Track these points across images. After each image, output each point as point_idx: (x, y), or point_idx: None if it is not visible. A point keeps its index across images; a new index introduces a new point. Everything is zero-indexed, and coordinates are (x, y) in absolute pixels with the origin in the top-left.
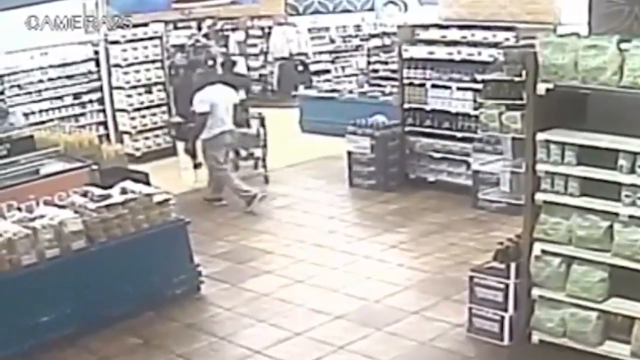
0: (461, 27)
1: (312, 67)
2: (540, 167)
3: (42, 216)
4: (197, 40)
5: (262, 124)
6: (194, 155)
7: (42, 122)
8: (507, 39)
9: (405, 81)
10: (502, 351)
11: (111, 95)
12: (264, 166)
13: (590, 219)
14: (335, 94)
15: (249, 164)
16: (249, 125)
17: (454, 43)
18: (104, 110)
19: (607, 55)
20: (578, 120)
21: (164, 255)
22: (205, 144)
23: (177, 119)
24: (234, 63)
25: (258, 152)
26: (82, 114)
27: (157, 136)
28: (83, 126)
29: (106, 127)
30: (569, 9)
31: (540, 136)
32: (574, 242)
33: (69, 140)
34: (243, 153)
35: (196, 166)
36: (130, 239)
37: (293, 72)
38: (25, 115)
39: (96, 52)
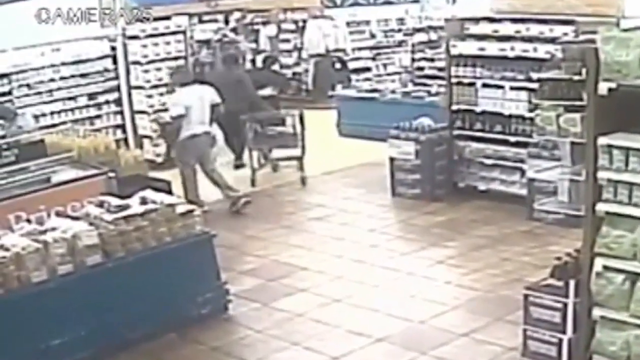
0: (515, 21)
1: (351, 65)
2: (601, 174)
3: (53, 229)
4: (225, 35)
5: (300, 122)
6: (237, 155)
7: (54, 125)
8: (565, 34)
9: (454, 80)
10: None
11: (130, 95)
12: (301, 167)
13: None
14: (376, 94)
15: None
16: (284, 124)
17: (507, 38)
18: (121, 112)
19: None
20: None
21: (188, 272)
22: (177, 146)
23: (167, 119)
24: (274, 60)
25: (295, 152)
26: (98, 116)
27: (157, 145)
28: (99, 129)
29: (124, 131)
30: (633, 1)
31: (602, 140)
32: (639, 257)
33: (83, 145)
34: (279, 154)
35: (237, 167)
36: (150, 253)
37: (330, 70)
38: (35, 117)
39: (113, 48)
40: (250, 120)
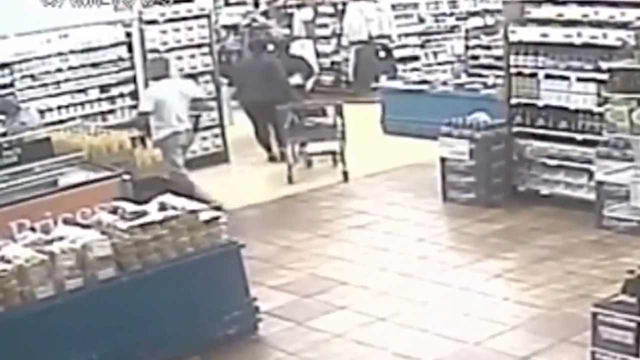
0: (582, 3)
1: (397, 53)
2: None
3: (61, 238)
4: (254, 20)
5: (340, 113)
6: (268, 148)
7: (61, 121)
8: (638, 18)
9: (513, 70)
10: None
11: (147, 87)
12: (343, 161)
13: None
14: (425, 87)
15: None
16: (324, 114)
17: (573, 23)
18: (137, 107)
19: None
20: None
21: (213, 287)
22: (159, 146)
23: (147, 109)
24: (288, 45)
25: (335, 146)
26: (111, 111)
27: (204, 138)
28: (112, 126)
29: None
30: None
31: None
32: None
33: (94, 143)
34: (314, 147)
35: (272, 159)
36: (170, 266)
37: (373, 59)
38: (41, 112)
39: (128, 34)
40: (288, 110)
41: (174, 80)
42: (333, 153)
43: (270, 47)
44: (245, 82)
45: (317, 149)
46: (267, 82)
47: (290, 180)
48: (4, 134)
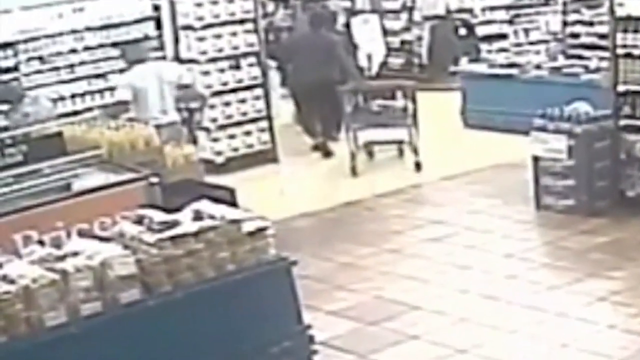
0: None
1: (480, 31)
2: None
3: (75, 254)
4: None
5: (412, 97)
6: (313, 134)
7: (76, 113)
8: None
9: (620, 51)
10: None
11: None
12: (415, 150)
13: None
14: (514, 71)
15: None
16: (394, 97)
17: None
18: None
19: None
20: None
21: (259, 312)
22: None
23: (125, 97)
24: (332, 18)
25: (403, 134)
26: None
27: (248, 133)
28: (136, 119)
29: None
30: None
31: None
32: None
33: (115, 139)
34: (381, 134)
35: (316, 148)
36: (207, 287)
37: (451, 37)
38: (52, 101)
39: (156, 8)
40: (351, 91)
41: (153, 64)
42: (400, 142)
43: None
44: (298, 61)
45: (378, 138)
46: (326, 61)
47: (353, 171)
48: (6, 128)
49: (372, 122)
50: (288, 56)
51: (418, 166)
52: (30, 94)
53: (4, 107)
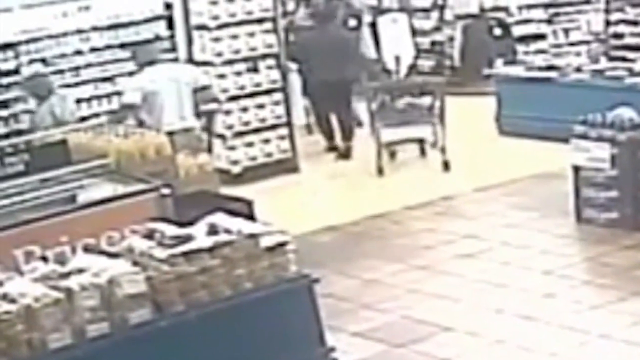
0: None
1: (517, 30)
2: None
3: (80, 270)
4: None
5: (440, 95)
6: (330, 136)
7: (82, 119)
8: None
9: None
10: None
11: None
12: (442, 149)
13: None
14: (553, 74)
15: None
16: (422, 94)
17: None
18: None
19: None
20: None
21: (278, 333)
22: None
23: (132, 100)
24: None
25: (427, 132)
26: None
27: (266, 141)
28: (148, 125)
29: None
30: None
31: None
32: None
33: (124, 148)
34: (405, 132)
35: (331, 149)
36: (223, 306)
37: (485, 38)
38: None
39: (168, 6)
40: (378, 89)
41: (166, 65)
42: (423, 140)
43: (353, 22)
44: (312, 62)
45: (402, 136)
46: (340, 58)
47: (380, 171)
48: (7, 136)
49: (397, 120)
50: (302, 57)
51: (446, 165)
52: (59, 91)
53: (33, 102)
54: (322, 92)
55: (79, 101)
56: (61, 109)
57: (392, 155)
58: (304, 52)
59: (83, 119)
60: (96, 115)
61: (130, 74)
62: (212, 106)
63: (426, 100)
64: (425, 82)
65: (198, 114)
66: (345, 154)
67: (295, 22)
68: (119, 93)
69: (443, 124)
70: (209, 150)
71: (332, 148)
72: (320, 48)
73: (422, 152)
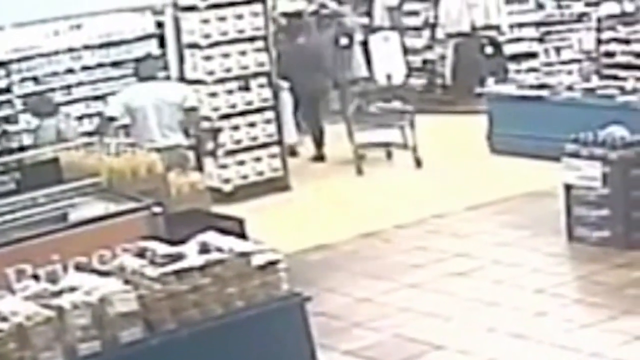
0: None
1: (508, 49)
2: None
3: (72, 289)
4: (323, 5)
5: (410, 100)
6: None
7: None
8: None
9: None
10: None
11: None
12: (414, 148)
13: None
14: (545, 92)
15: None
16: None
17: None
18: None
19: None
20: None
21: (270, 352)
22: None
23: (113, 114)
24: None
25: (398, 135)
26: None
27: (258, 159)
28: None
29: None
30: None
31: None
32: None
33: (115, 166)
34: (378, 136)
35: (317, 159)
36: (214, 325)
37: (477, 56)
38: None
39: (160, 25)
40: (356, 94)
41: (153, 83)
42: (387, 145)
43: (345, 40)
44: (294, 76)
45: (375, 139)
46: (314, 69)
47: (359, 171)
48: (1, 153)
49: (372, 123)
50: (282, 71)
51: (418, 162)
52: (62, 110)
53: (35, 121)
54: (304, 102)
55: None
56: (66, 126)
57: (361, 157)
58: (283, 66)
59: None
60: (88, 133)
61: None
62: (204, 132)
63: (397, 104)
64: (397, 87)
65: (187, 133)
66: (321, 157)
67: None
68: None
69: (413, 126)
70: (200, 168)
71: (318, 158)
72: (293, 60)
73: (389, 155)
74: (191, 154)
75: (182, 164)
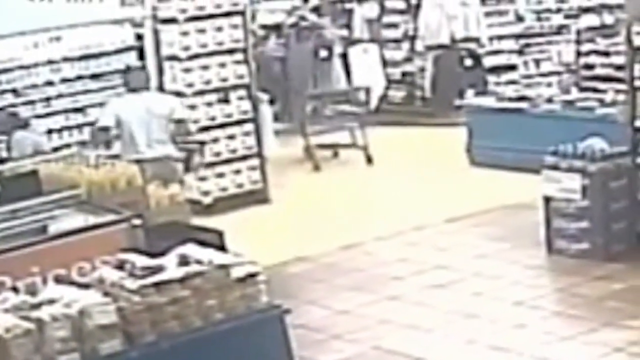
0: None
1: (488, 61)
2: None
3: (51, 301)
4: (303, 18)
5: (360, 103)
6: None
7: (53, 150)
8: None
9: (638, 83)
10: None
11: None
12: (365, 147)
13: None
14: (524, 105)
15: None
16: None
17: None
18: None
19: None
20: None
21: None
22: None
23: (106, 123)
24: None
25: (350, 136)
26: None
27: (238, 172)
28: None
29: None
30: None
31: None
32: None
33: (95, 178)
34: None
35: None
36: (194, 337)
37: (457, 68)
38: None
39: (139, 37)
40: (310, 97)
41: (142, 95)
42: (333, 146)
43: (324, 53)
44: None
45: (328, 140)
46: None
47: (316, 167)
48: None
49: (326, 125)
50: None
51: (369, 160)
52: (33, 122)
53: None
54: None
55: (50, 132)
56: (39, 140)
57: (311, 156)
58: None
59: (53, 149)
60: (67, 145)
61: (101, 104)
62: (192, 144)
63: (350, 107)
64: (357, 88)
65: (177, 146)
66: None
67: (265, 53)
68: (91, 124)
69: (363, 127)
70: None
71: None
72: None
73: (335, 154)
74: (180, 166)
75: (168, 175)
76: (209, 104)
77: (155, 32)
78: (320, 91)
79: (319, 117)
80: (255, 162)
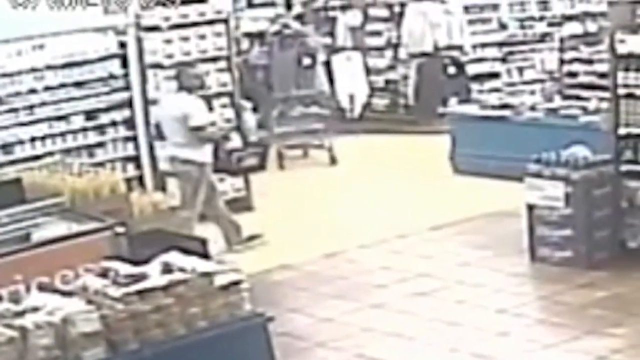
0: None
1: (471, 69)
2: None
3: (34, 309)
4: (286, 26)
5: (326, 105)
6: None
7: (36, 158)
8: None
9: (622, 91)
10: None
11: (146, 113)
12: (330, 148)
13: None
14: (507, 113)
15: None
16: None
17: None
18: (134, 138)
19: None
20: None
21: None
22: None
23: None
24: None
25: (316, 137)
26: (100, 144)
27: (221, 180)
28: (101, 163)
29: (138, 166)
30: None
31: None
32: None
33: (78, 186)
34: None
35: None
36: (178, 345)
37: (440, 76)
38: (8, 146)
39: (122, 45)
40: (279, 100)
41: (176, 96)
42: (303, 146)
43: (307, 60)
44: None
45: (295, 141)
46: None
47: (281, 167)
48: None
49: (292, 126)
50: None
51: (333, 160)
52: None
53: None
54: None
55: (33, 139)
56: None
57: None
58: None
59: (37, 157)
60: (50, 153)
61: (88, 112)
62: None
63: (315, 109)
64: (322, 92)
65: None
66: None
67: (249, 61)
68: (73, 132)
69: (327, 130)
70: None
71: None
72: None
73: (305, 154)
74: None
75: (197, 178)
76: None
77: (139, 40)
78: (287, 94)
79: (287, 118)
80: None
